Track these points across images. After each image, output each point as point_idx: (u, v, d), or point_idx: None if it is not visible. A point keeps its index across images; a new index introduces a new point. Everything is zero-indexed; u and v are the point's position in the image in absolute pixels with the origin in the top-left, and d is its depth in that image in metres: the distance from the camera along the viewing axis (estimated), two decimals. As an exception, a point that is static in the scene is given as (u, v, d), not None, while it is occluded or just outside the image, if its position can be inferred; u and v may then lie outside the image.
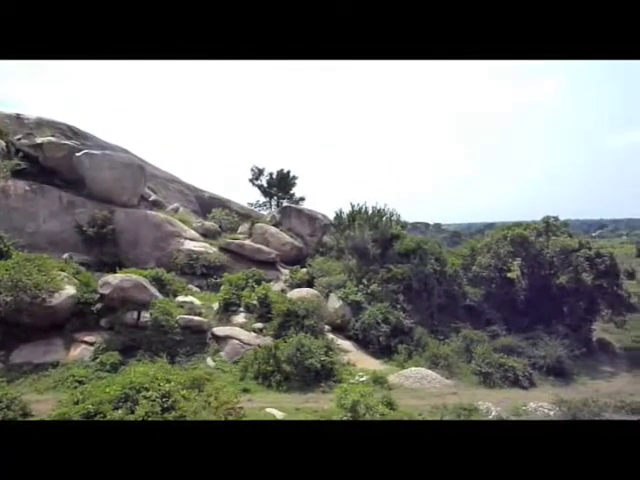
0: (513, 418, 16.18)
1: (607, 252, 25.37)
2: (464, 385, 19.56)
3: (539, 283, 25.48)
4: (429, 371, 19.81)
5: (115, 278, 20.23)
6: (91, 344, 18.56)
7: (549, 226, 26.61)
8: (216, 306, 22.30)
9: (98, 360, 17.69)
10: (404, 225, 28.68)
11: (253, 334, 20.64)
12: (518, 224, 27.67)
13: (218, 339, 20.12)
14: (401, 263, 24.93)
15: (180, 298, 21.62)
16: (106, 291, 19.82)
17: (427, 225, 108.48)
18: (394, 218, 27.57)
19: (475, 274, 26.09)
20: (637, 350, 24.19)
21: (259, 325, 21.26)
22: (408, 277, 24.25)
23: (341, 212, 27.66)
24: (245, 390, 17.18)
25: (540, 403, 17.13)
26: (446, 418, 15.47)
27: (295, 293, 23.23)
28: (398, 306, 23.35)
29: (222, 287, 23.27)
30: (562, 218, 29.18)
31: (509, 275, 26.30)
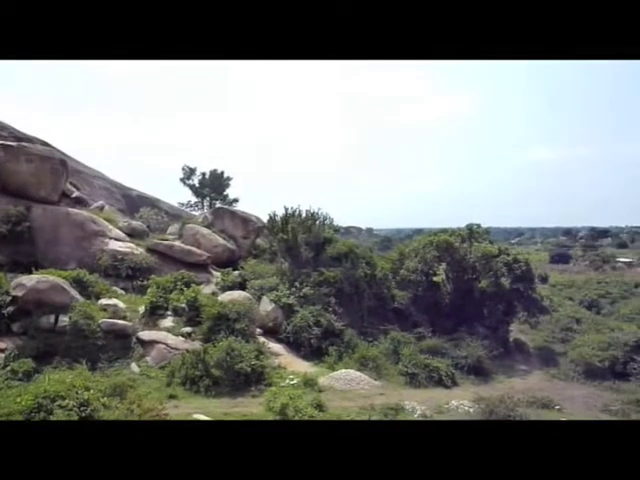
0: (436, 416, 16.87)
1: (523, 258, 27.17)
2: (391, 386, 20.12)
3: (462, 287, 26.76)
4: (358, 373, 20.18)
5: (30, 279, 18.90)
6: (1, 350, 17.20)
7: (472, 233, 28.05)
8: (142, 309, 21.44)
9: (9, 368, 16.40)
10: (337, 229, 29.12)
11: (181, 338, 20.05)
12: (444, 230, 28.92)
13: (144, 344, 19.35)
14: (333, 267, 25.27)
15: (103, 301, 20.56)
16: (19, 293, 18.46)
17: (360, 229, 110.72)
18: (327, 222, 27.90)
19: (403, 278, 26.95)
20: (548, 349, 26.01)
21: (188, 329, 20.69)
22: (340, 280, 24.62)
23: (275, 215, 27.57)
24: (172, 396, 16.64)
25: (461, 401, 17.98)
26: (374, 418, 15.84)
27: (226, 296, 22.85)
28: (330, 309, 23.62)
29: (149, 290, 22.42)
30: (484, 225, 30.94)
31: (435, 279, 27.46)
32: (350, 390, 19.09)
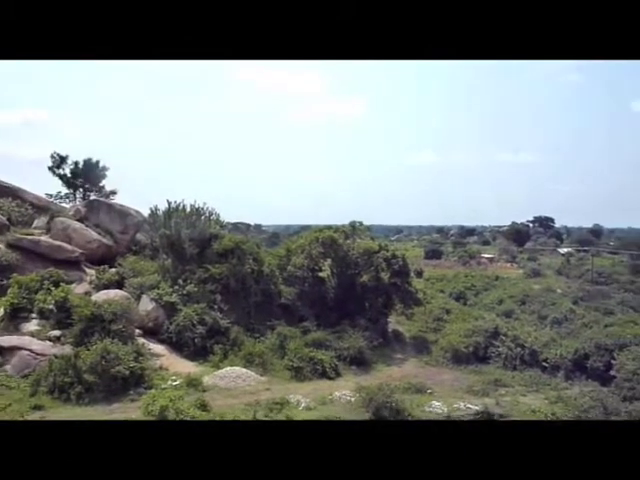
0: (320, 407, 17.39)
1: (400, 254, 29.00)
2: (277, 380, 20.31)
3: (346, 281, 27.83)
4: (244, 370, 20.08)
5: None
6: None
7: (355, 230, 29.29)
8: (1, 312, 19.19)
9: None
10: (223, 225, 28.60)
11: (48, 343, 18.33)
12: (329, 227, 29.81)
13: (3, 351, 17.35)
14: (219, 263, 24.79)
15: (-49, 304, 18.07)
16: None
17: (248, 226, 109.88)
18: (213, 217, 27.26)
19: (290, 274, 27.31)
20: (422, 339, 28.07)
21: (56, 333, 18.97)
22: (226, 277, 24.23)
23: (156, 209, 26.26)
24: (37, 407, 15.17)
25: (344, 391, 18.71)
26: (259, 414, 15.87)
27: (101, 295, 21.31)
28: (215, 306, 23.17)
29: (9, 290, 20.14)
30: (366, 223, 32.48)
31: (320, 274, 28.22)
32: (236, 387, 18.94)
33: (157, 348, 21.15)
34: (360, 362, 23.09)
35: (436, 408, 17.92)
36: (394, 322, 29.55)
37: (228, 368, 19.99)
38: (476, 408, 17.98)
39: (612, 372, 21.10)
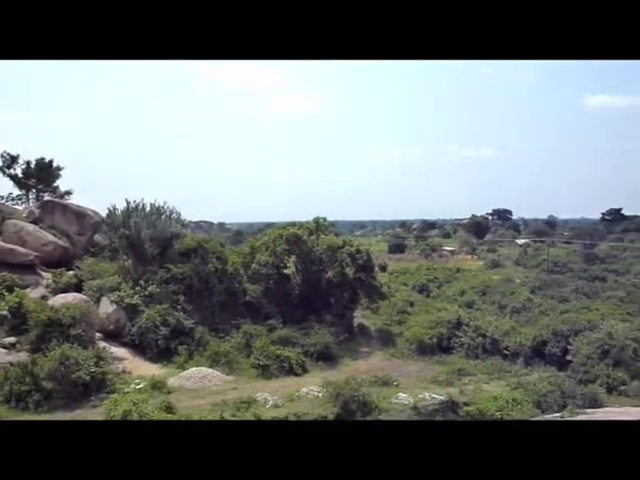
0: (288, 404, 17.39)
1: (365, 249, 29.29)
2: (244, 379, 20.18)
3: (311, 278, 27.88)
4: (210, 370, 19.87)
5: None
6: None
7: (319, 226, 29.33)
8: (-50, 321, 18.30)
9: None
10: (184, 224, 28.12)
11: (3, 350, 17.60)
12: (292, 224, 29.78)
13: (-48, 361, 16.53)
14: (182, 263, 24.39)
15: None
16: None
17: (211, 224, 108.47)
18: (174, 216, 26.75)
19: (255, 271, 27.14)
20: (387, 332, 28.44)
21: (11, 339, 18.24)
22: (189, 277, 23.87)
23: (115, 209, 25.55)
24: (-9, 417, 14.55)
25: (311, 387, 18.78)
26: (226, 414, 15.74)
27: (59, 299, 20.62)
28: (178, 307, 22.79)
29: (-42, 297, 19.20)
30: (330, 219, 32.60)
31: (285, 271, 28.17)
32: (202, 388, 18.72)
33: (119, 351, 20.65)
34: (327, 357, 23.20)
35: (402, 399, 18.22)
36: (360, 316, 29.81)
37: (194, 369, 19.73)
38: (441, 398, 18.39)
39: (568, 357, 21.98)
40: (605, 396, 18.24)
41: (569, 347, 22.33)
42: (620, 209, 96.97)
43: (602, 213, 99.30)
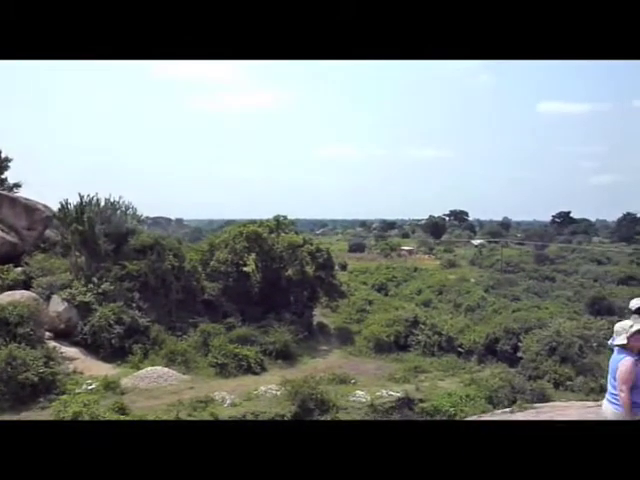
0: (245, 403, 17.26)
1: (325, 248, 29.44)
2: (201, 378, 19.89)
3: (271, 276, 27.77)
4: (166, 369, 19.48)
5: None
6: None
7: (279, 224, 29.27)
8: None
9: None
10: (141, 220, 27.43)
11: (-57, 350, 16.63)
12: (253, 221, 29.59)
13: None
14: (137, 259, 23.80)
15: None
16: None
17: (169, 220, 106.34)
18: (130, 212, 26.04)
19: (213, 269, 26.80)
20: (346, 330, 28.69)
21: (-48, 339, 17.26)
22: (144, 274, 23.32)
23: (67, 203, 24.61)
24: None
25: (269, 386, 18.70)
26: (182, 414, 15.46)
27: (5, 297, 19.69)
28: (133, 305, 22.25)
29: None
30: (291, 217, 32.54)
31: (245, 269, 27.95)
32: (157, 388, 18.33)
33: (70, 351, 19.95)
34: (286, 356, 23.17)
35: (360, 397, 18.41)
36: (319, 315, 29.95)
37: (149, 368, 19.29)
38: (397, 395, 18.70)
39: (519, 354, 22.81)
40: (552, 391, 19.05)
41: (520, 344, 23.17)
42: (569, 212, 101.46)
43: (552, 216, 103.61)
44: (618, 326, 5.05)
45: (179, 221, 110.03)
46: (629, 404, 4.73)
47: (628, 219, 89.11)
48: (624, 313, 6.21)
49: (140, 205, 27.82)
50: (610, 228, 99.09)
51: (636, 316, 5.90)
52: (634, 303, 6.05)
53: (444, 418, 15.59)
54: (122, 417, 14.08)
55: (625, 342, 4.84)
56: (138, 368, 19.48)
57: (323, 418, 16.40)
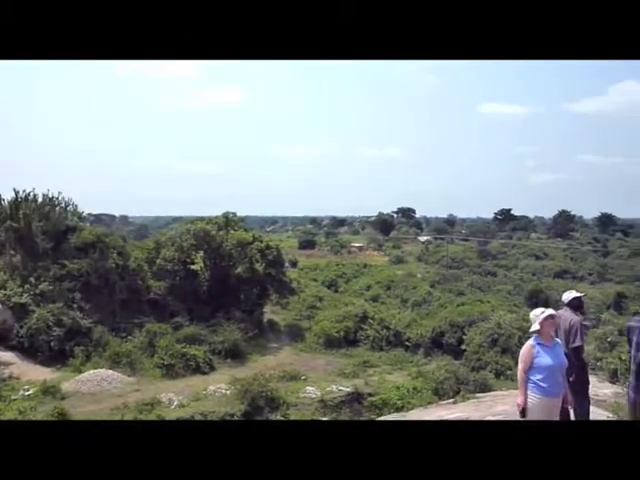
0: (194, 404, 16.95)
1: (275, 245, 29.31)
2: (147, 380, 19.36)
3: (220, 274, 27.36)
4: (110, 371, 18.83)
5: None
6: None
7: (228, 221, 28.88)
8: None
9: None
10: (82, 216, 26.34)
11: None
12: (201, 218, 29.06)
13: None
14: (78, 258, 22.83)
15: None
16: None
17: (113, 217, 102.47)
18: (70, 208, 24.95)
19: (160, 267, 26.11)
20: (296, 327, 28.74)
21: None
22: (86, 273, 22.42)
23: (1, 199, 23.26)
24: None
25: (218, 385, 18.44)
26: (127, 417, 14.99)
27: None
28: (74, 305, 21.38)
29: None
30: (241, 214, 32.24)
31: (193, 267, 27.34)
32: (101, 391, 17.69)
33: (5, 356, 18.95)
34: (235, 354, 22.92)
35: (310, 393, 18.51)
36: (269, 312, 29.83)
37: (91, 371, 18.59)
38: (347, 390, 18.94)
39: (463, 346, 23.64)
40: (494, 381, 19.87)
41: (464, 337, 24.01)
42: (510, 209, 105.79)
43: (494, 213, 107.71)
44: (532, 314, 5.40)
45: (124, 218, 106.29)
46: (522, 382, 5.18)
47: (563, 216, 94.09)
48: (559, 305, 6.59)
49: (82, 201, 26.65)
50: (547, 225, 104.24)
51: (567, 308, 6.26)
52: (566, 296, 6.42)
53: (392, 411, 15.92)
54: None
55: (538, 328, 5.17)
56: (80, 371, 18.75)
57: (273, 416, 16.38)
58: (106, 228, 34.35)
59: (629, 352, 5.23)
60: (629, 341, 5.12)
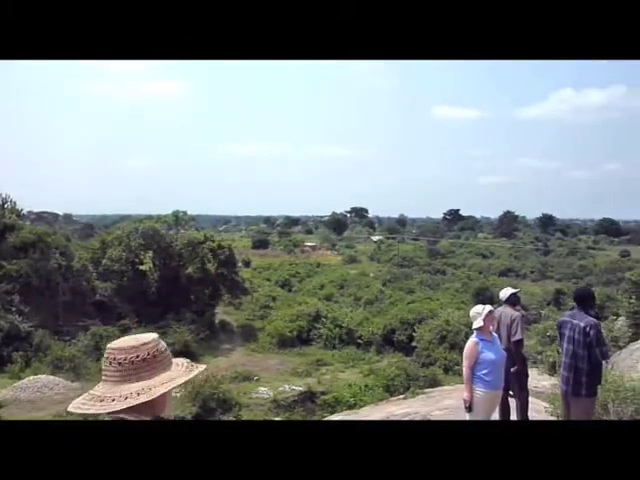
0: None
1: (227, 244, 28.94)
2: (92, 385, 17.80)
3: (169, 274, 26.74)
4: (51, 377, 17.98)
5: None
6: None
7: (178, 220, 28.26)
8: None
9: None
10: (21, 214, 25.04)
11: None
12: (150, 217, 28.29)
13: None
14: (17, 258, 21.70)
15: None
16: None
17: (56, 215, 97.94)
18: (8, 206, 23.65)
19: (106, 268, 25.22)
20: (249, 327, 28.48)
21: None
22: (26, 274, 21.34)
23: None
24: None
25: (168, 388, 17.99)
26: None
27: None
28: (13, 309, 20.32)
29: None
30: (192, 213, 31.59)
31: (141, 268, 26.63)
32: (41, 398, 16.85)
33: None
34: (186, 356, 21.04)
35: (262, 393, 18.40)
36: (222, 313, 29.42)
37: (31, 377, 17.68)
38: (300, 389, 18.96)
39: (413, 343, 24.17)
40: (443, 376, 20.43)
41: (414, 334, 24.55)
42: (458, 210, 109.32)
43: (444, 213, 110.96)
44: (473, 311, 5.57)
45: (67, 216, 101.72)
46: (468, 379, 5.32)
47: (508, 217, 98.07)
48: (499, 303, 6.82)
49: (21, 199, 25.30)
50: (493, 225, 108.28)
51: (506, 305, 6.51)
52: (503, 293, 6.67)
53: (344, 409, 16.05)
54: None
55: (482, 324, 5.35)
56: (19, 378, 17.83)
57: (225, 417, 16.15)
58: (48, 227, 32.80)
59: (561, 345, 5.49)
60: (561, 335, 5.37)
